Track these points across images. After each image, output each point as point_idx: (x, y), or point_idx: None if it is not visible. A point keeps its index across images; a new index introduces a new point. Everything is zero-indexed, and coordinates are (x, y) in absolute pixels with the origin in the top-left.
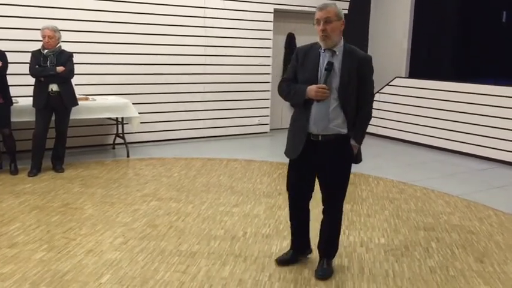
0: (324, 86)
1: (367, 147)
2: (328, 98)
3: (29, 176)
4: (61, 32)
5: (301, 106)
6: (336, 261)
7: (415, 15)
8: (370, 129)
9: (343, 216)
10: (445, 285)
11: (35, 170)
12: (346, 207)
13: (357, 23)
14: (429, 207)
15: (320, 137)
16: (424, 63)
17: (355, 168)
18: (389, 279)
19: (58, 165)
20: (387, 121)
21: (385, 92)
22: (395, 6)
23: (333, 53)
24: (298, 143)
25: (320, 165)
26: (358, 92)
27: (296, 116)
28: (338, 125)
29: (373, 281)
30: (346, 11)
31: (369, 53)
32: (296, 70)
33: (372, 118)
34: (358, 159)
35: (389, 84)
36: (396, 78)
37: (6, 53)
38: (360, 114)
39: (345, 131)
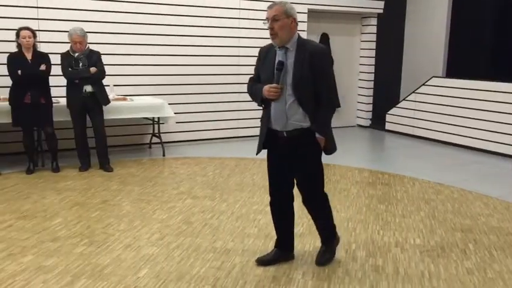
0: (275, 85)
1: (403, 148)
2: (283, 96)
3: (80, 170)
4: (100, 34)
5: (265, 105)
6: (369, 260)
7: (452, 13)
8: (405, 129)
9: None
10: (482, 287)
11: (85, 165)
12: (381, 207)
13: (392, 23)
14: (467, 209)
15: (285, 133)
16: (462, 63)
17: (390, 168)
18: (425, 280)
19: (106, 164)
20: (423, 121)
21: (422, 92)
22: (433, 4)
23: (286, 50)
24: (260, 141)
25: (291, 160)
26: (315, 86)
27: (262, 115)
28: (298, 119)
29: (408, 282)
30: (381, 11)
31: (405, 53)
32: (259, 69)
33: (408, 119)
34: (329, 150)
35: (426, 84)
36: (433, 78)
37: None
38: (320, 107)
39: (307, 124)
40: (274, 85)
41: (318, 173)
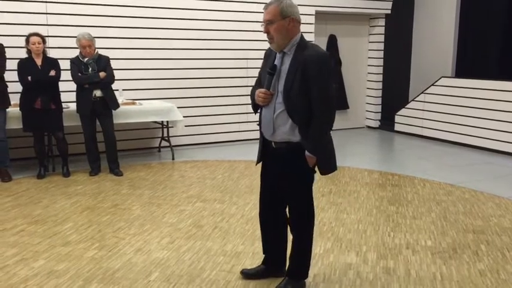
0: (264, 90)
1: (413, 149)
2: (273, 103)
3: (90, 175)
4: (109, 39)
5: (258, 110)
6: (380, 263)
7: (461, 12)
8: (415, 130)
9: (310, 232)
10: None
11: (96, 170)
12: (391, 209)
13: (400, 23)
14: (478, 210)
15: (273, 143)
16: (471, 62)
17: (400, 169)
18: (437, 282)
19: (116, 168)
20: (433, 122)
21: (431, 92)
22: (441, 4)
23: (284, 53)
24: (259, 149)
25: (279, 175)
26: (310, 97)
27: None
28: (285, 132)
29: (420, 284)
30: (389, 11)
31: (414, 53)
32: (261, 71)
33: (417, 119)
34: (325, 170)
35: (435, 84)
36: (442, 78)
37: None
38: (312, 122)
39: (295, 139)
40: (263, 90)
41: (302, 197)
